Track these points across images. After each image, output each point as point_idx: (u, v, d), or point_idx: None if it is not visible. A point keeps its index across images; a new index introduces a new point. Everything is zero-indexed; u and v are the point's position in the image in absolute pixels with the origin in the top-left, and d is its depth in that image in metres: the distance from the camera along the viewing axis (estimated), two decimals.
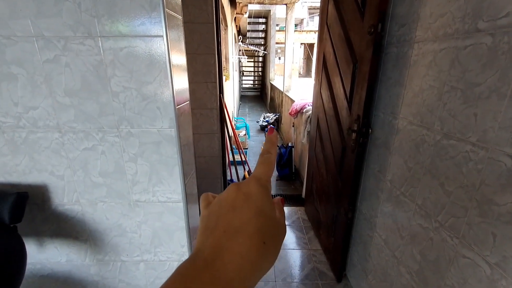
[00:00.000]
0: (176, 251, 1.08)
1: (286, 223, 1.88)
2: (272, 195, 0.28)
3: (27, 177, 0.95)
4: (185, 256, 1.09)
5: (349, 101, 1.50)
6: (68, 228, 1.04)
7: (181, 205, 1.01)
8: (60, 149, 0.92)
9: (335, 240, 1.81)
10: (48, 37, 0.78)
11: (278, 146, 3.99)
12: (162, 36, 0.79)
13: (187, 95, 1.01)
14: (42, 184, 0.96)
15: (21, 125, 0.88)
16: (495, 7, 0.71)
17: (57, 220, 1.02)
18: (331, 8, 1.74)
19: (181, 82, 0.93)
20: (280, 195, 3.04)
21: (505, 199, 0.70)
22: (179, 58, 0.91)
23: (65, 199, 0.99)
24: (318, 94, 2.08)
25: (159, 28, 0.78)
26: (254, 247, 0.21)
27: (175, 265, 1.11)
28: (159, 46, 0.80)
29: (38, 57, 0.80)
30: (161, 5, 0.76)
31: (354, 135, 1.41)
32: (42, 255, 1.09)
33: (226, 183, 2.55)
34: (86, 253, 1.09)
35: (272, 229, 0.24)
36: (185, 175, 0.98)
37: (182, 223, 1.04)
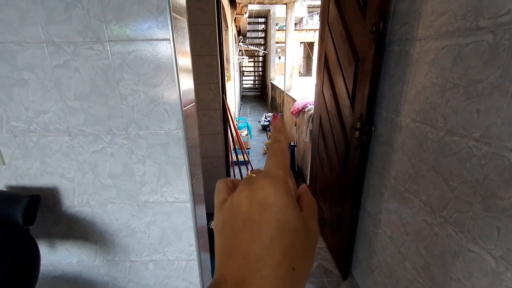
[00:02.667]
0: (184, 250, 1.10)
1: None
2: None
3: (38, 180, 0.97)
4: (193, 255, 1.11)
5: (352, 99, 1.51)
6: (78, 230, 1.06)
7: (188, 205, 1.03)
8: (70, 152, 0.94)
9: (340, 237, 1.82)
10: (58, 42, 0.80)
11: None
12: (169, 39, 0.80)
13: (192, 96, 1.02)
14: (53, 186, 0.98)
15: (32, 129, 0.90)
16: (496, 5, 0.72)
17: (68, 222, 1.04)
18: (332, 7, 1.76)
19: (187, 84, 0.95)
20: None
21: (509, 193, 0.71)
22: (185, 60, 0.93)
23: (76, 201, 1.01)
24: (320, 93, 2.09)
25: (166, 32, 0.80)
26: (281, 278, 0.18)
27: (183, 264, 1.12)
28: (166, 49, 0.82)
29: (49, 63, 0.82)
30: (167, 9, 0.77)
31: (357, 133, 1.43)
32: (54, 257, 1.11)
33: None
34: (96, 254, 1.11)
35: (301, 246, 0.19)
36: (192, 175, 1.00)
37: (190, 223, 1.05)
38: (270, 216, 0.19)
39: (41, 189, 0.98)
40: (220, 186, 0.24)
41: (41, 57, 0.81)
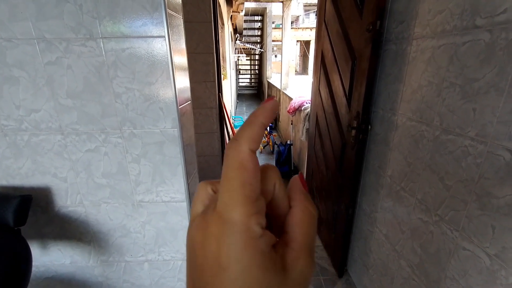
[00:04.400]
0: (180, 250, 1.09)
1: None
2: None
3: (30, 180, 0.95)
4: None
5: (348, 98, 1.51)
6: (71, 230, 1.04)
7: (184, 205, 1.01)
8: (63, 151, 0.92)
9: (336, 236, 1.82)
10: (49, 39, 0.78)
11: (276, 144, 3.98)
12: (164, 36, 0.79)
13: (188, 94, 1.01)
14: (45, 186, 0.96)
15: (23, 128, 0.88)
16: (493, 4, 0.72)
17: (61, 222, 1.03)
18: (329, 5, 1.75)
19: (182, 82, 0.94)
20: None
21: (504, 192, 0.71)
22: (180, 58, 0.91)
23: (69, 201, 0.99)
24: (316, 92, 2.09)
25: (161, 29, 0.78)
26: None
27: (179, 264, 1.11)
28: (161, 46, 0.80)
29: (40, 60, 0.80)
30: (162, 5, 0.76)
31: (353, 131, 1.43)
32: (46, 258, 1.09)
33: None
34: (90, 254, 1.10)
35: None
36: (188, 174, 0.99)
37: (186, 222, 1.04)
38: (223, 284, 0.14)
39: (32, 189, 0.96)
40: (198, 193, 0.19)
41: (32, 54, 0.79)
